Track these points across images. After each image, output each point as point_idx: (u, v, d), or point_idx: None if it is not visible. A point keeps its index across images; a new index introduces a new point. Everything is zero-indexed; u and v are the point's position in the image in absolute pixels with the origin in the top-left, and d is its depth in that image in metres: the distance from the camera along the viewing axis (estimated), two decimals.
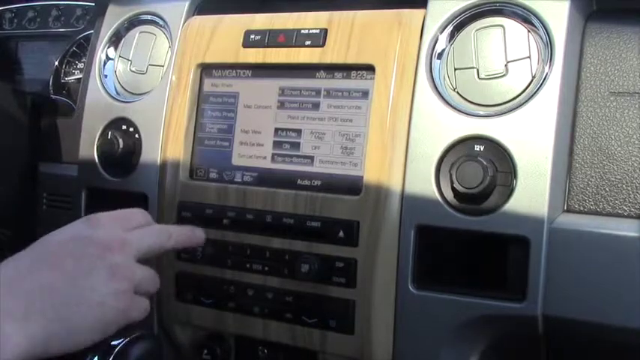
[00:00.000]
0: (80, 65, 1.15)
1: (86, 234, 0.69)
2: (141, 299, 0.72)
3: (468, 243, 0.78)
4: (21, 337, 0.61)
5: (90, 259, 0.67)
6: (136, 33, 1.01)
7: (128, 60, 1.01)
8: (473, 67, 0.79)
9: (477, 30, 0.80)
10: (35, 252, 0.68)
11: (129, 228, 0.73)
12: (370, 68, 0.82)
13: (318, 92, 0.85)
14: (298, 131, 0.86)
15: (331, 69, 0.84)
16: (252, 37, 0.89)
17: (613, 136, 0.76)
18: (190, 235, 0.81)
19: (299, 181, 0.85)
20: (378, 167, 0.80)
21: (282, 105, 0.87)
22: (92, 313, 0.66)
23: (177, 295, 0.91)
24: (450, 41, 0.81)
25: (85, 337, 0.66)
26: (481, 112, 0.78)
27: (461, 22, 0.81)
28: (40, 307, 0.63)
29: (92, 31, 1.12)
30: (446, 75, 0.80)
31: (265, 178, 0.87)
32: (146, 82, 0.99)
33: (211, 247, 0.87)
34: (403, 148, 0.80)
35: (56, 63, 1.17)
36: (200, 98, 0.92)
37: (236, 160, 0.89)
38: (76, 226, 0.71)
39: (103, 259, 0.68)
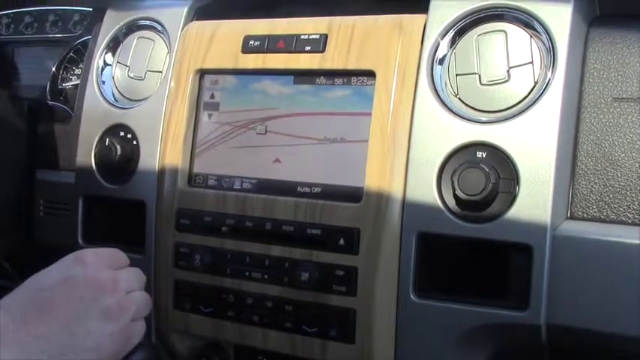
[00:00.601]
0: (77, 71, 1.15)
1: (77, 274, 0.69)
2: (137, 325, 0.72)
3: (470, 251, 0.78)
4: None
5: (83, 303, 0.67)
6: (134, 38, 1.02)
7: (126, 66, 1.01)
8: (475, 73, 0.79)
9: (478, 35, 0.80)
10: (27, 298, 0.67)
11: (115, 267, 0.73)
12: (371, 74, 0.82)
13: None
14: (298, 138, 0.85)
15: (331, 75, 0.85)
16: (252, 42, 0.89)
17: (616, 143, 0.76)
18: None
19: (299, 189, 0.85)
20: (379, 174, 0.80)
21: None
22: (89, 358, 0.66)
23: (175, 304, 0.91)
24: (451, 47, 0.81)
25: None
26: (483, 119, 0.78)
27: (462, 28, 0.81)
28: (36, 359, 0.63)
29: (90, 37, 1.12)
30: (447, 81, 0.81)
31: (265, 186, 0.87)
32: (144, 88, 0.99)
33: (210, 254, 0.87)
34: (404, 155, 0.80)
35: (53, 69, 1.17)
36: (199, 104, 0.92)
37: (235, 168, 0.89)
38: (65, 265, 0.71)
39: (97, 300, 0.68)
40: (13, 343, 0.63)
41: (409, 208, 0.79)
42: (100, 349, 0.67)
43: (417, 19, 0.83)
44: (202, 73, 0.92)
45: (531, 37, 0.78)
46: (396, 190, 0.79)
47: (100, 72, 1.03)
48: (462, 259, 0.79)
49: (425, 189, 0.78)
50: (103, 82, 1.02)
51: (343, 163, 0.83)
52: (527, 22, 0.78)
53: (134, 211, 0.95)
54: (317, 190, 0.84)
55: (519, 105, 0.77)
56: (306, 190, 0.84)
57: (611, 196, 0.76)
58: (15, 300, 0.67)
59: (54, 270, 0.70)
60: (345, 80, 0.84)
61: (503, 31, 0.79)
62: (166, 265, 0.91)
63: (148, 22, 1.02)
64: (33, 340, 0.63)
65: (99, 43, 1.04)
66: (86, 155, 0.99)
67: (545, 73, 0.77)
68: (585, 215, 0.76)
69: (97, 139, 0.99)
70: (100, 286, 0.69)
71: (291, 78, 0.87)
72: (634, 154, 0.75)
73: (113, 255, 0.74)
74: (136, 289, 0.74)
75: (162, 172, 0.93)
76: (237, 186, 0.89)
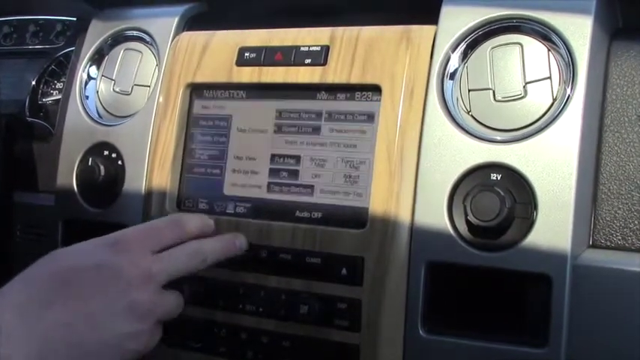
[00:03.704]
0: (59, 85, 1.16)
1: (110, 262, 0.68)
2: (158, 328, 0.72)
3: (484, 281, 0.77)
4: None
5: (111, 296, 0.67)
6: (120, 50, 1.02)
7: (111, 80, 1.01)
8: (488, 89, 0.79)
9: (492, 48, 0.80)
10: (51, 277, 0.66)
11: (158, 249, 0.73)
12: (376, 89, 0.82)
13: (318, 115, 0.85)
14: (297, 158, 0.85)
15: (333, 90, 0.85)
16: (247, 54, 0.89)
17: None
18: (230, 248, 0.80)
19: (297, 213, 0.85)
20: (385, 198, 0.79)
21: (279, 129, 0.87)
22: (109, 354, 0.66)
23: (163, 339, 0.90)
24: (463, 60, 0.81)
25: None
26: (498, 138, 0.77)
27: (475, 40, 0.81)
28: (55, 349, 0.63)
29: (73, 48, 1.13)
30: (459, 97, 0.81)
31: (260, 210, 0.87)
32: (131, 103, 0.99)
33: (200, 285, 0.86)
34: (412, 177, 0.79)
35: (33, 82, 1.17)
36: (189, 121, 0.92)
37: (228, 190, 0.89)
38: (99, 248, 0.71)
39: (126, 296, 0.68)
40: (34, 327, 0.62)
41: (418, 234, 0.78)
42: (122, 347, 0.67)
43: (426, 30, 0.83)
44: (193, 87, 0.92)
45: (549, 50, 0.78)
46: (403, 215, 0.79)
47: (83, 86, 1.03)
48: (474, 291, 0.78)
49: (435, 214, 0.78)
50: (87, 97, 1.03)
51: (346, 185, 0.83)
52: (545, 34, 0.78)
53: None
54: (317, 214, 0.84)
55: (537, 123, 0.77)
56: (306, 214, 0.84)
57: (636, 222, 0.75)
58: (38, 275, 0.66)
59: (86, 250, 0.70)
60: (349, 95, 0.84)
61: (519, 43, 0.79)
62: None
63: (135, 33, 1.02)
64: (54, 327, 0.63)
65: (82, 55, 1.05)
66: (67, 176, 0.99)
67: (565, 89, 0.76)
68: (608, 243, 0.76)
69: (79, 158, 0.99)
70: (132, 281, 0.68)
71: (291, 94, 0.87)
72: None
73: (158, 233, 0.74)
74: (176, 273, 0.73)
75: (149, 194, 0.92)
76: (230, 210, 0.88)
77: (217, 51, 0.91)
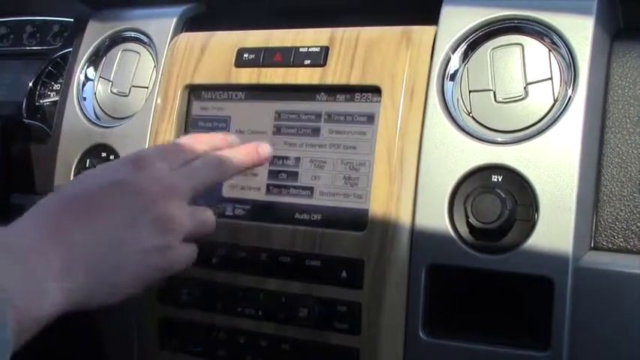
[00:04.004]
0: (56, 86, 1.15)
1: (128, 179, 0.67)
2: (187, 248, 0.71)
3: (485, 284, 0.77)
4: (59, 294, 0.60)
5: (133, 211, 0.66)
6: (118, 51, 1.02)
7: (109, 81, 1.01)
8: (489, 90, 0.79)
9: (493, 49, 0.80)
10: (75, 196, 0.66)
11: (180, 164, 0.72)
12: (376, 90, 0.82)
13: (318, 116, 0.85)
14: (296, 159, 0.85)
15: (333, 91, 0.85)
16: (246, 55, 0.89)
17: None
18: (253, 156, 0.78)
19: (297, 215, 0.84)
20: (385, 200, 0.79)
21: (278, 130, 0.87)
22: (134, 269, 0.66)
23: (160, 344, 0.90)
24: (463, 61, 0.81)
25: (125, 293, 0.66)
26: (499, 139, 0.77)
27: (475, 41, 0.81)
28: (82, 262, 0.62)
29: (70, 50, 1.12)
30: (460, 98, 0.80)
31: (259, 212, 0.87)
32: (129, 105, 0.99)
33: (199, 288, 0.86)
34: (413, 179, 0.79)
35: (30, 84, 1.17)
36: (188, 123, 0.92)
37: (227, 192, 0.89)
38: (118, 166, 0.70)
39: (149, 210, 0.67)
40: (62, 238, 0.62)
41: (418, 237, 0.78)
42: (148, 262, 0.67)
43: (427, 30, 0.83)
44: (192, 88, 0.92)
45: (550, 50, 0.78)
46: (403, 217, 0.79)
47: (80, 87, 1.03)
48: (475, 294, 0.78)
49: (435, 216, 0.78)
50: (84, 99, 1.03)
51: (346, 187, 0.82)
52: (546, 34, 0.78)
53: None
54: (317, 217, 0.83)
55: (538, 124, 0.76)
56: (305, 217, 0.84)
57: (639, 224, 0.75)
58: (65, 196, 0.66)
59: (106, 169, 0.70)
60: (348, 97, 0.84)
61: (520, 44, 0.79)
62: (150, 300, 0.90)
63: (133, 34, 1.02)
64: (81, 239, 0.62)
65: (80, 57, 1.04)
66: (65, 178, 0.99)
67: (566, 90, 0.76)
68: (610, 245, 0.76)
69: (76, 160, 0.99)
70: (153, 196, 0.67)
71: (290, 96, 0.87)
72: None
73: (177, 149, 0.73)
74: (201, 186, 0.72)
75: None
76: (229, 212, 0.88)
77: (216, 52, 0.91)
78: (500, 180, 0.76)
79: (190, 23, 1.00)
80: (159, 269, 0.68)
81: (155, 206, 0.67)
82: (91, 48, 1.04)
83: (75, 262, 0.62)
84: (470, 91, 0.80)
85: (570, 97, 0.76)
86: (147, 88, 0.98)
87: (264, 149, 0.79)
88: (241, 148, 0.79)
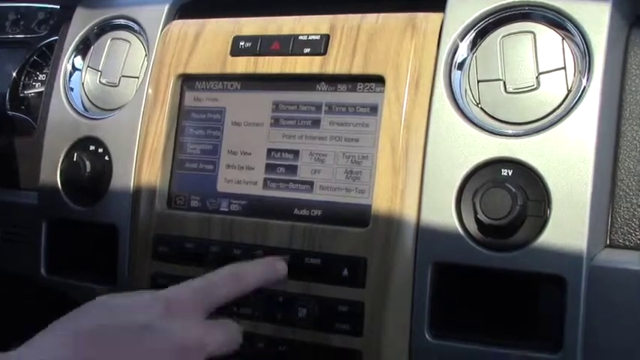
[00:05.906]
0: (42, 77, 1.15)
1: (161, 326, 0.65)
2: None
3: (494, 283, 0.77)
4: None
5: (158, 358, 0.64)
6: (107, 40, 1.02)
7: (98, 71, 1.01)
8: (499, 80, 0.79)
9: (503, 37, 0.80)
10: (94, 333, 0.63)
11: (214, 309, 0.70)
12: (379, 80, 0.82)
13: (318, 107, 0.85)
14: (295, 152, 0.85)
15: (334, 80, 0.84)
16: (242, 43, 0.89)
17: None
18: (270, 272, 0.77)
19: (296, 211, 0.84)
20: (389, 195, 0.79)
21: (276, 122, 0.87)
22: None
23: None
24: (472, 49, 0.81)
25: None
26: (509, 131, 0.77)
27: (484, 28, 0.81)
28: None
29: (56, 38, 1.13)
30: (468, 88, 0.80)
31: (256, 207, 0.86)
32: (118, 95, 0.99)
33: None
34: (418, 173, 0.79)
35: (14, 74, 1.17)
36: (180, 114, 0.92)
37: (222, 186, 0.89)
38: (149, 306, 0.66)
39: None
40: None
41: (424, 233, 0.78)
42: None
43: (433, 17, 0.83)
44: (185, 78, 0.92)
45: (563, 38, 0.78)
46: (408, 212, 0.78)
47: (67, 78, 1.03)
48: (484, 293, 0.78)
49: (442, 212, 0.77)
50: (71, 89, 1.02)
51: (347, 181, 0.82)
52: (559, 22, 0.78)
53: (105, 237, 0.94)
54: (317, 212, 0.83)
55: (550, 116, 0.76)
56: (304, 212, 0.84)
57: None
58: (82, 330, 0.62)
59: (134, 307, 0.66)
60: (350, 87, 0.84)
61: (532, 32, 0.79)
62: None
63: (123, 22, 1.02)
64: None
65: (67, 45, 1.04)
66: (51, 173, 0.99)
67: (580, 80, 0.76)
68: (627, 243, 0.76)
69: (63, 154, 0.99)
70: (181, 350, 0.65)
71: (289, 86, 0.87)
72: None
73: (211, 289, 0.71)
74: (225, 349, 0.70)
75: (137, 192, 0.92)
76: (224, 208, 0.88)
77: (210, 40, 0.91)
78: (510, 174, 0.76)
79: (183, 10, 0.99)
80: None
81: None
82: (79, 36, 1.04)
83: None
84: (478, 81, 0.80)
85: (585, 87, 0.75)
86: (137, 78, 0.98)
87: (281, 265, 0.78)
88: (259, 263, 0.78)
